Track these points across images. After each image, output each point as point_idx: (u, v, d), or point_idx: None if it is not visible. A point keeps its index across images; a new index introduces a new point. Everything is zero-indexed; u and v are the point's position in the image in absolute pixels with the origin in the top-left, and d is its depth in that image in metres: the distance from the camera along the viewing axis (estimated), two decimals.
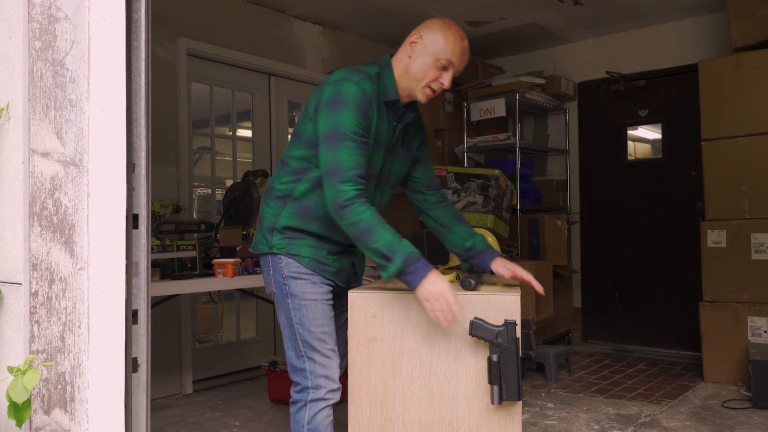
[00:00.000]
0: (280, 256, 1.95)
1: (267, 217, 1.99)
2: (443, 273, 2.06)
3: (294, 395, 1.94)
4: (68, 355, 1.50)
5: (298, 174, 1.94)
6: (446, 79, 1.93)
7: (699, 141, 4.29)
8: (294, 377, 1.94)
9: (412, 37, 1.94)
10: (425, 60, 1.91)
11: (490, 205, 4.48)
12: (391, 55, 2.00)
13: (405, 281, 1.78)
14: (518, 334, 1.79)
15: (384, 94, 1.92)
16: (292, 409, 1.94)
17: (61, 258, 1.51)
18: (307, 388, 1.91)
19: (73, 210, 1.51)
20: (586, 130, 5.63)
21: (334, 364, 1.95)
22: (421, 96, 1.96)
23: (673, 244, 5.13)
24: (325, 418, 1.91)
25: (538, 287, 1.99)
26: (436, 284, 1.74)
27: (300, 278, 1.94)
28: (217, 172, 4.62)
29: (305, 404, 1.90)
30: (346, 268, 2.06)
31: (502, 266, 2.05)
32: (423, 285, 1.75)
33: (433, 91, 1.96)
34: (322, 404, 1.91)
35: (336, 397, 1.95)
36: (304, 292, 1.93)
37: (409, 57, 1.93)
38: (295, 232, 1.95)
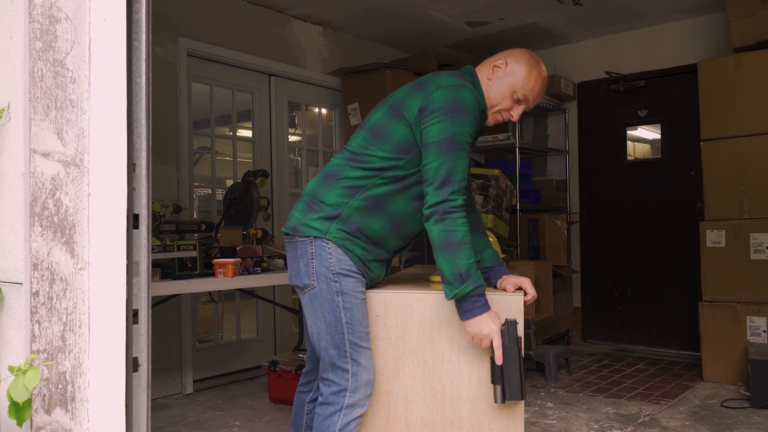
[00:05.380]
0: (330, 246, 1.85)
1: (327, 203, 1.88)
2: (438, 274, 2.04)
3: (328, 396, 1.85)
4: (69, 354, 1.50)
5: (376, 171, 1.87)
6: (516, 113, 1.97)
7: (698, 141, 4.30)
8: (331, 376, 1.85)
9: (497, 60, 1.97)
10: (503, 89, 1.94)
11: (489, 205, 4.48)
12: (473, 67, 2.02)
13: (461, 308, 1.78)
14: (520, 333, 1.79)
15: (480, 104, 1.94)
16: (323, 410, 1.85)
17: (62, 258, 1.51)
18: (345, 390, 1.83)
19: (74, 210, 1.51)
20: (586, 131, 5.63)
21: (374, 366, 1.90)
22: (490, 119, 2.00)
23: (672, 244, 5.13)
24: (356, 426, 1.86)
25: (529, 297, 1.97)
26: (488, 324, 1.76)
27: (351, 276, 1.87)
28: (217, 172, 4.62)
29: (340, 409, 1.83)
30: (381, 277, 2.03)
31: (509, 284, 1.97)
32: (476, 320, 1.76)
33: (502, 118, 1.99)
34: (358, 411, 1.85)
35: (368, 403, 1.89)
36: (356, 291, 1.87)
37: (489, 80, 1.96)
38: (355, 229, 1.87)
